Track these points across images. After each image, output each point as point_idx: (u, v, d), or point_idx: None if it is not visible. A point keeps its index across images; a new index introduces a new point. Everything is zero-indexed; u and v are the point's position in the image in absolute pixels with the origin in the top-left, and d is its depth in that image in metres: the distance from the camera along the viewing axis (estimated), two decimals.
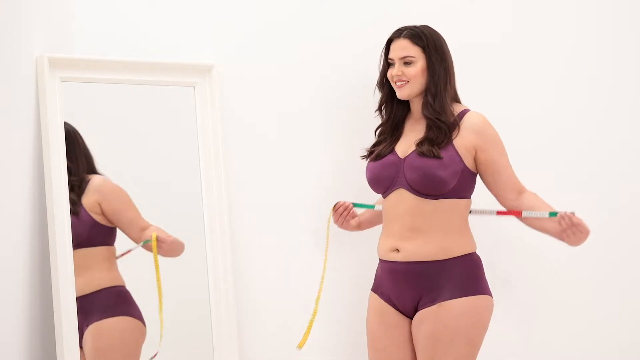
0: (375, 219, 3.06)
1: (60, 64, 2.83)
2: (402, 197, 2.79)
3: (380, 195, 2.93)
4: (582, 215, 3.55)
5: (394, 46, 2.82)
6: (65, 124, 2.86)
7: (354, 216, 3.04)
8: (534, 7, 3.54)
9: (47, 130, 2.78)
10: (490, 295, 2.79)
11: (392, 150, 2.84)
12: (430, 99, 2.79)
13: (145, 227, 2.96)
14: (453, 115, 2.78)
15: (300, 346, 2.91)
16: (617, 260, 3.61)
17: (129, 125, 3.04)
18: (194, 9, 3.14)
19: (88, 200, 2.90)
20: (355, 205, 3.02)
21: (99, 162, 2.95)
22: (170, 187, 3.09)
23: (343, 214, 3.01)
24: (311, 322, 2.94)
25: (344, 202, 3.01)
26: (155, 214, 2.99)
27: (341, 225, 3.05)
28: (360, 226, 3.08)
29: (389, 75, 2.84)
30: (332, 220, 3.03)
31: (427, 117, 2.79)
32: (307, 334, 2.92)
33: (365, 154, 2.93)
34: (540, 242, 3.54)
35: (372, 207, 3.01)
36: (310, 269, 3.24)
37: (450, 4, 3.44)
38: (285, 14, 3.25)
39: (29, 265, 2.72)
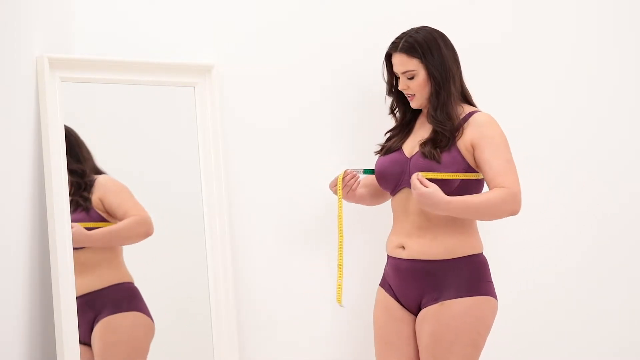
0: (366, 199, 3.01)
1: (60, 64, 2.83)
2: (408, 196, 2.81)
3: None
4: (582, 214, 3.58)
5: (394, 60, 2.84)
6: (66, 126, 2.88)
7: (356, 187, 2.93)
8: (534, 7, 3.53)
9: (47, 130, 2.78)
10: (495, 297, 2.79)
11: (400, 148, 2.86)
12: (431, 110, 2.80)
13: (129, 214, 2.96)
14: (458, 118, 2.79)
15: (339, 301, 2.86)
16: (618, 260, 3.62)
17: (129, 126, 3.04)
18: (193, 9, 3.13)
19: (94, 198, 2.92)
20: (365, 171, 2.94)
21: (99, 162, 2.96)
22: (170, 187, 3.09)
23: (349, 183, 2.90)
24: (339, 277, 2.90)
25: (352, 172, 2.90)
26: (156, 214, 2.99)
27: (346, 195, 2.92)
28: (360, 199, 3.00)
29: (400, 88, 2.86)
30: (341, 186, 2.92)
31: (431, 124, 2.81)
32: (339, 290, 2.87)
33: (379, 149, 2.95)
34: (542, 242, 3.55)
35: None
36: (311, 269, 3.25)
37: (450, 4, 3.43)
38: (285, 14, 3.25)
39: (29, 265, 2.72)
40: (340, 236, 2.88)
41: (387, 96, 2.96)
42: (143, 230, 2.97)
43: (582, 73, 3.58)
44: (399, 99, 2.92)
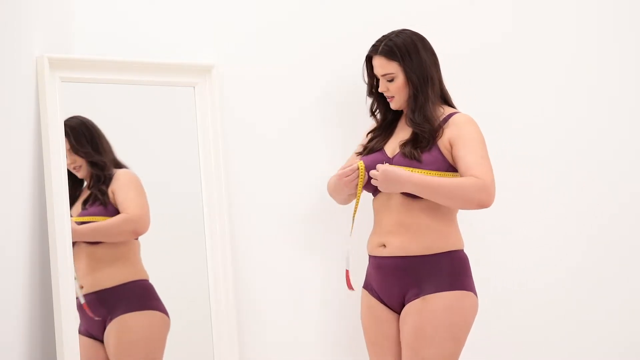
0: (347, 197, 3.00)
1: (60, 64, 2.83)
2: (390, 196, 2.84)
3: None
4: (582, 215, 3.57)
5: (374, 62, 2.88)
6: (80, 117, 2.90)
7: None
8: (534, 7, 3.53)
9: (47, 130, 2.78)
10: (475, 294, 2.81)
11: (382, 148, 2.89)
12: (409, 113, 2.84)
13: (125, 211, 2.94)
14: (438, 119, 2.81)
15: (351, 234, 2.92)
16: (617, 260, 3.61)
17: (129, 125, 3.04)
18: (194, 9, 3.13)
19: (110, 191, 2.94)
20: None
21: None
22: (170, 187, 3.09)
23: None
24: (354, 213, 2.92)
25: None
26: (155, 214, 2.99)
27: (355, 187, 2.90)
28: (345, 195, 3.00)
29: (380, 90, 2.89)
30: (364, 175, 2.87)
31: (410, 126, 2.85)
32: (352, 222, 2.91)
33: (360, 150, 2.96)
34: (541, 242, 3.54)
35: None
36: (310, 268, 3.25)
37: (450, 4, 3.43)
38: (285, 14, 3.25)
39: (29, 265, 2.72)
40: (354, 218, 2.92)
41: (367, 97, 2.98)
42: (130, 228, 2.95)
43: (583, 73, 3.58)
44: (380, 100, 2.96)
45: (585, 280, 3.57)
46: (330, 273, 3.25)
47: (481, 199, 2.71)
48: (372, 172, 2.78)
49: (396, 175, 2.73)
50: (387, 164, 2.78)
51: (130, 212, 2.93)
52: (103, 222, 2.92)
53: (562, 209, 3.55)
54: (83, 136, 2.90)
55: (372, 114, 2.99)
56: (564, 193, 3.56)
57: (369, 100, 3.00)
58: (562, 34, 3.57)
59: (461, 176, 2.76)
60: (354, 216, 2.92)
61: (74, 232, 2.84)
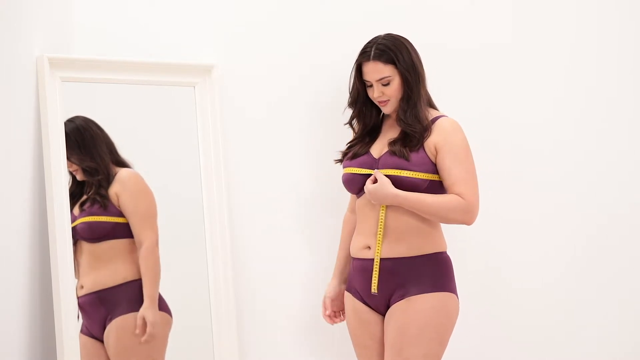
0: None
1: (60, 64, 2.84)
2: None
3: None
4: (581, 222, 3.57)
5: (366, 69, 2.85)
6: (77, 121, 2.90)
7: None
8: (534, 8, 3.53)
9: (47, 130, 2.78)
10: (457, 296, 2.83)
11: (367, 151, 2.88)
12: (401, 113, 2.84)
13: (143, 241, 2.95)
14: (427, 119, 2.82)
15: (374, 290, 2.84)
16: (615, 262, 3.61)
17: (129, 126, 3.04)
18: (194, 9, 3.14)
19: (111, 192, 2.93)
20: None
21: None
22: (170, 188, 3.09)
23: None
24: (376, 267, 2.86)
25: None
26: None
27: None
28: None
29: (370, 96, 2.88)
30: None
31: (400, 126, 2.85)
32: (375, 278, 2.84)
33: (339, 157, 2.96)
34: (539, 243, 3.54)
35: None
36: (310, 269, 3.25)
37: (450, 4, 3.43)
38: (287, 13, 3.25)
39: (29, 265, 2.72)
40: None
41: (348, 107, 2.95)
42: (155, 256, 2.97)
43: (582, 74, 3.58)
44: (367, 107, 2.93)
45: (583, 281, 3.57)
46: (308, 275, 3.24)
47: (464, 220, 2.78)
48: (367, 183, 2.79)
49: (383, 194, 2.75)
50: (378, 172, 2.78)
51: (148, 240, 2.94)
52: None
53: (560, 209, 3.55)
54: (74, 143, 2.90)
55: (350, 124, 2.97)
56: (564, 197, 3.56)
57: (349, 111, 2.97)
58: (561, 34, 3.56)
59: (446, 189, 2.78)
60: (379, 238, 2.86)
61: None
